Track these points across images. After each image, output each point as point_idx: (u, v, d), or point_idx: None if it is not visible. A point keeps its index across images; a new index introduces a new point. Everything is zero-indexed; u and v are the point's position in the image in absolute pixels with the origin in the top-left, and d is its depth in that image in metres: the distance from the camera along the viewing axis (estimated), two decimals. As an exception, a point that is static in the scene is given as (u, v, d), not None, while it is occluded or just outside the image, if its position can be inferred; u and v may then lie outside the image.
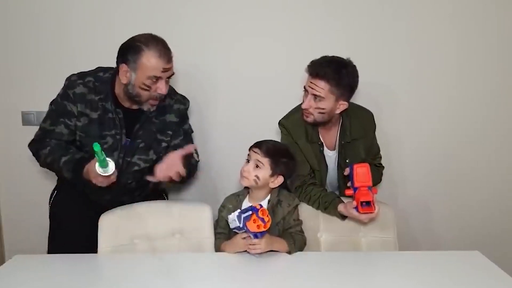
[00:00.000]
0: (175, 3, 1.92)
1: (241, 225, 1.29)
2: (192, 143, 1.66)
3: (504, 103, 2.05)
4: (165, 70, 1.44)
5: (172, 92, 1.62)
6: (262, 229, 1.29)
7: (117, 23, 1.90)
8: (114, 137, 1.52)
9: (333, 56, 1.57)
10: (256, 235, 1.31)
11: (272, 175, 1.44)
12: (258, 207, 1.31)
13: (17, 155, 1.99)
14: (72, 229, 1.57)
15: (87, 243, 1.43)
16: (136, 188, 1.61)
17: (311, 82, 1.55)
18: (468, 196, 2.13)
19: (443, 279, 1.23)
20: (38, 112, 1.95)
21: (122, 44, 1.47)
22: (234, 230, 1.37)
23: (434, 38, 1.97)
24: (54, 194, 1.66)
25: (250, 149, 1.49)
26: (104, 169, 1.30)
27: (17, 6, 1.89)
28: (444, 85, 2.02)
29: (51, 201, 1.67)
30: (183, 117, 1.65)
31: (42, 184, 1.96)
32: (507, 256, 1.86)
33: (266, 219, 1.29)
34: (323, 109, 1.55)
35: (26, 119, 1.98)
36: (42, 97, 1.87)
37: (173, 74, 1.50)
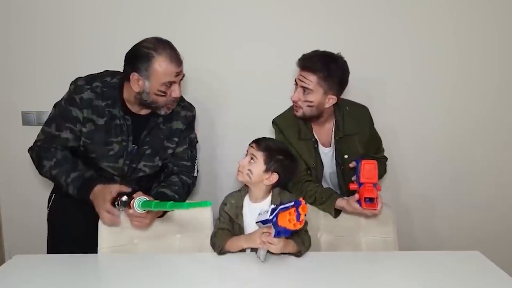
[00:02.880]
0: (178, 6, 1.91)
1: (270, 217, 1.23)
2: (196, 153, 1.65)
3: (505, 102, 2.05)
4: (177, 74, 1.44)
5: (180, 99, 1.61)
6: (292, 228, 1.20)
7: (118, 25, 1.89)
8: (120, 143, 1.50)
9: (323, 51, 1.59)
10: (278, 233, 1.24)
11: (266, 171, 1.41)
12: (303, 202, 1.23)
13: (17, 155, 1.98)
14: (71, 230, 1.56)
15: (87, 244, 1.43)
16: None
17: (300, 75, 1.58)
18: (468, 196, 2.13)
19: (443, 279, 1.23)
20: (38, 112, 1.95)
21: (128, 52, 1.45)
22: (257, 223, 1.32)
23: (432, 36, 1.97)
24: (53, 197, 1.64)
25: (249, 144, 1.48)
26: (143, 209, 1.30)
27: (17, 6, 1.89)
28: (443, 83, 2.02)
29: (49, 204, 1.65)
30: (190, 125, 1.64)
31: (42, 184, 1.96)
32: (507, 256, 1.86)
33: (301, 217, 1.21)
34: (311, 102, 1.57)
35: (26, 119, 1.98)
36: (42, 97, 1.88)
37: (184, 76, 1.50)
